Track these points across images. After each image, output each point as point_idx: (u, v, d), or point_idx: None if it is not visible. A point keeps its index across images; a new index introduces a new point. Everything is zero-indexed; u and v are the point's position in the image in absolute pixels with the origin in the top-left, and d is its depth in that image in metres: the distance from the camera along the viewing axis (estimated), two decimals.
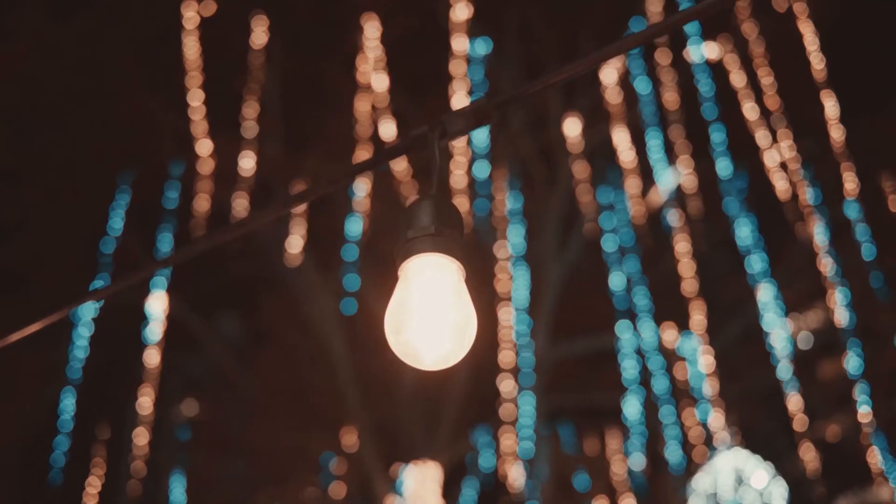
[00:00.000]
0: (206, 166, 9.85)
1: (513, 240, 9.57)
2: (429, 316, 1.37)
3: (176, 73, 9.69)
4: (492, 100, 1.53)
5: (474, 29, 9.60)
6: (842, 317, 10.14)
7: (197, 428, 11.62)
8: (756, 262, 9.97)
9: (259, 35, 9.75)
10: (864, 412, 10.08)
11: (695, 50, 9.85)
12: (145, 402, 10.08)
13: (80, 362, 10.20)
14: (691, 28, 9.97)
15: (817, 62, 10.51)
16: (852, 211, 10.52)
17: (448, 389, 10.11)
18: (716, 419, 10.06)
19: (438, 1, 9.60)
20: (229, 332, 11.81)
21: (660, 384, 9.82)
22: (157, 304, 9.81)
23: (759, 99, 10.46)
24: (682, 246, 9.38)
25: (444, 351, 1.38)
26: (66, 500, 10.82)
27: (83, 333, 10.08)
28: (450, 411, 10.08)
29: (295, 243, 9.92)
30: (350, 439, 9.93)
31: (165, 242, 10.28)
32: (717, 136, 9.83)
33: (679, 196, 9.86)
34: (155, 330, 9.86)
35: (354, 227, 9.94)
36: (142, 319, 9.91)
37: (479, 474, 9.97)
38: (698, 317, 9.42)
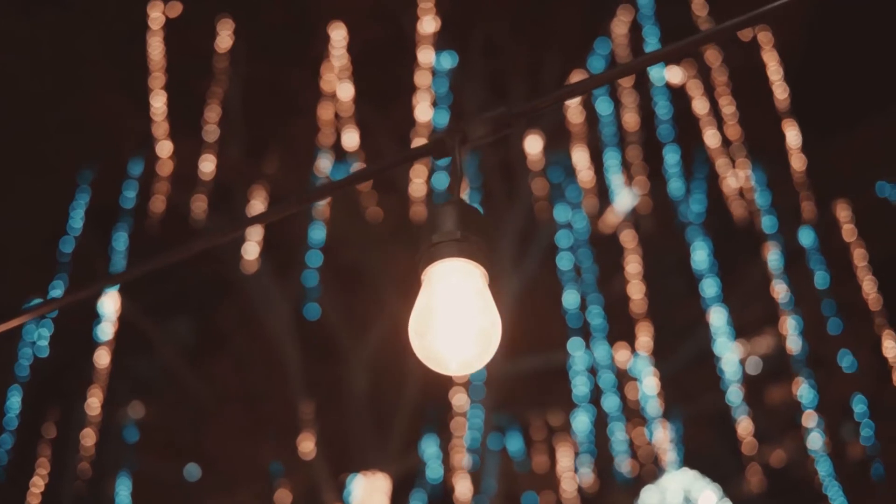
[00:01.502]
0: (165, 168, 9.80)
1: None
2: (455, 321, 1.37)
3: (140, 73, 9.64)
4: (512, 109, 1.54)
5: (440, 42, 9.64)
6: (792, 344, 10.28)
7: (146, 431, 11.49)
8: (710, 287, 10.07)
9: (224, 39, 9.72)
10: (811, 438, 10.21)
11: (657, 74, 9.95)
12: (94, 402, 9.97)
13: (28, 360, 10.09)
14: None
15: (780, 92, 10.67)
16: (807, 238, 10.67)
17: (400, 401, 10.09)
18: (664, 439, 10.14)
19: (406, 13, 9.64)
20: (182, 335, 11.71)
21: (610, 403, 9.88)
22: (109, 304, 9.72)
23: (720, 126, 10.60)
24: (632, 267, 9.46)
25: (470, 356, 1.38)
26: (9, 499, 10.65)
27: (32, 331, 9.96)
28: (401, 423, 10.07)
29: (251, 250, 9.88)
30: (300, 447, 9.88)
31: (121, 242, 10.20)
32: (672, 158, 9.94)
33: (635, 217, 9.94)
34: (106, 330, 9.77)
35: (317, 234, 9.93)
36: (94, 318, 9.81)
37: (428, 486, 9.96)
38: (645, 338, 9.50)
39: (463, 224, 1.39)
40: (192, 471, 11.30)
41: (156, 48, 9.67)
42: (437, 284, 1.39)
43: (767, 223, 10.41)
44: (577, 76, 9.94)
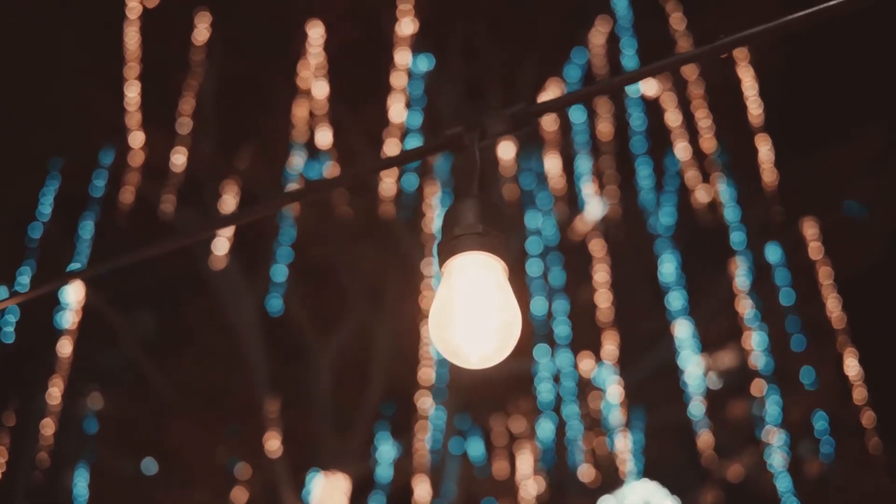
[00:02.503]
0: (136, 158, 9.74)
1: None
2: (476, 314, 1.36)
3: (116, 62, 9.59)
4: (531, 107, 1.54)
5: (418, 44, 9.65)
6: (755, 359, 10.36)
7: (106, 423, 11.39)
8: (676, 299, 10.13)
9: (201, 31, 9.68)
10: (771, 454, 10.29)
11: (632, 85, 10.01)
12: (55, 392, 9.88)
13: None
14: (630, 62, 10.15)
15: (754, 108, 10.75)
16: (774, 255, 10.76)
17: (363, 401, 10.08)
18: (625, 449, 10.17)
19: (385, 14, 9.64)
20: (147, 328, 11.63)
21: (572, 411, 9.90)
22: (72, 293, 9.64)
23: (693, 139, 10.67)
24: (600, 276, 9.49)
25: (490, 350, 1.37)
26: None
27: None
28: (363, 423, 10.05)
29: (221, 245, 9.83)
30: (266, 445, 9.84)
31: (87, 230, 10.13)
32: (644, 170, 10.00)
33: (605, 226, 9.98)
34: (69, 319, 9.68)
35: (286, 231, 9.90)
36: (56, 306, 9.73)
37: (387, 488, 9.95)
38: (611, 347, 9.53)
39: (484, 218, 1.40)
40: (150, 465, 11.23)
41: (132, 38, 9.61)
42: (458, 277, 1.39)
43: (736, 238, 10.48)
44: (552, 85, 9.98)
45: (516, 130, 1.55)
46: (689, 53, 1.56)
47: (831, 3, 1.47)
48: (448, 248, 1.40)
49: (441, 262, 1.42)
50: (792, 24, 1.49)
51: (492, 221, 1.40)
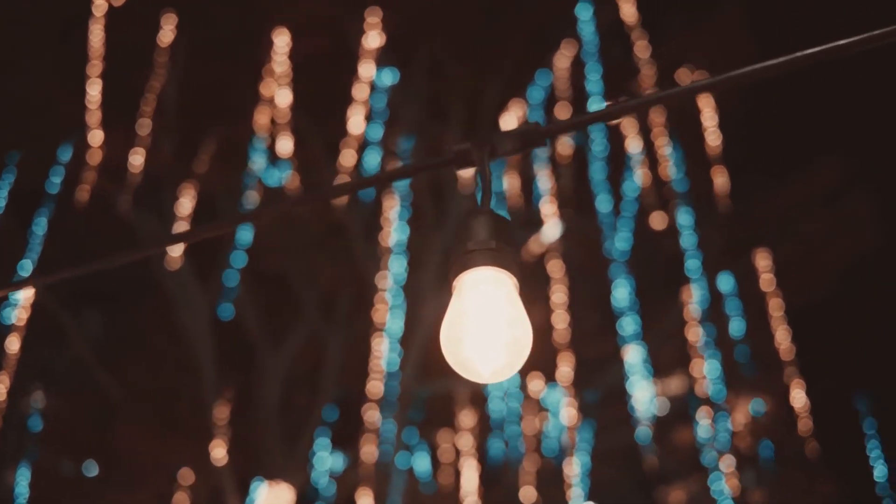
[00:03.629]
0: (94, 156, 9.67)
1: (394, 270, 9.60)
2: (488, 329, 1.37)
3: (79, 59, 9.52)
4: (540, 127, 1.56)
5: (383, 58, 9.68)
6: (704, 387, 10.46)
7: (51, 422, 11.24)
8: (628, 324, 10.20)
9: (167, 33, 9.64)
10: (715, 481, 10.38)
11: (594, 108, 10.10)
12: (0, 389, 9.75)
13: None
14: (594, 87, 10.24)
15: (713, 139, 10.89)
16: (726, 284, 10.88)
17: (311, 412, 10.04)
18: (572, 472, 10.20)
19: (353, 26, 9.66)
20: (96, 328, 11.51)
21: (517, 431, 9.93)
22: (22, 290, 9.52)
23: (653, 166, 10.78)
24: (557, 297, 9.54)
25: (502, 364, 1.38)
26: None
27: None
28: (309, 434, 10.01)
29: (177, 247, 9.77)
30: (212, 453, 9.76)
31: (41, 226, 10.04)
32: (603, 195, 10.09)
33: (561, 248, 10.03)
34: (17, 316, 9.56)
35: (243, 236, 9.86)
36: (5, 303, 9.61)
37: (331, 500, 9.90)
38: (566, 369, 9.57)
39: (496, 234, 1.41)
40: (91, 466, 11.10)
41: (97, 35, 9.56)
42: (470, 292, 1.41)
43: (691, 265, 10.59)
44: (515, 105, 10.04)
45: (524, 149, 1.58)
46: (705, 82, 1.61)
47: (808, 51, 1.52)
48: (461, 263, 1.41)
49: (453, 277, 1.43)
50: (784, 66, 1.53)
51: (503, 237, 1.42)
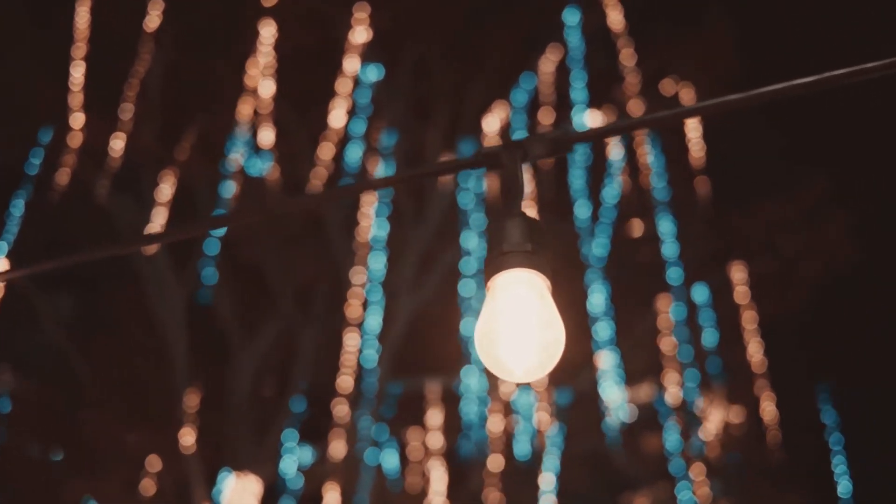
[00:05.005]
0: (75, 139, 9.62)
1: (372, 266, 9.60)
2: (523, 330, 1.41)
3: (64, 41, 9.48)
4: (570, 134, 1.62)
5: (369, 54, 9.69)
6: (674, 396, 10.51)
7: (19, 404, 11.16)
8: (603, 330, 10.23)
9: (153, 19, 9.60)
10: (682, 490, 10.43)
11: (577, 119, 10.12)
12: None
13: None
14: (579, 95, 10.28)
15: (696, 150, 10.95)
16: (701, 295, 10.93)
17: (281, 406, 10.02)
18: (543, 475, 10.22)
19: (340, 21, 9.66)
20: (69, 312, 11.43)
21: (484, 434, 9.94)
22: None
23: (634, 174, 10.83)
24: None
25: (535, 364, 1.41)
26: None
27: None
28: (279, 427, 9.98)
29: (153, 230, 9.74)
30: (181, 441, 9.74)
31: (18, 208, 9.96)
32: (582, 201, 10.12)
33: None
34: None
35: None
36: None
37: (297, 493, 9.89)
38: None
39: (530, 237, 1.44)
40: (58, 451, 11.02)
41: (82, 17, 9.52)
42: (505, 293, 1.44)
43: (671, 275, 10.63)
44: (499, 107, 10.07)
45: (554, 155, 1.62)
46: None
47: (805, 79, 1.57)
48: (496, 265, 1.44)
49: (488, 278, 1.46)
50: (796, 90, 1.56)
51: (537, 240, 1.45)
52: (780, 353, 11.02)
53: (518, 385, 10.05)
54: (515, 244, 1.45)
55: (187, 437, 9.75)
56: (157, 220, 9.78)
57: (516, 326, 1.41)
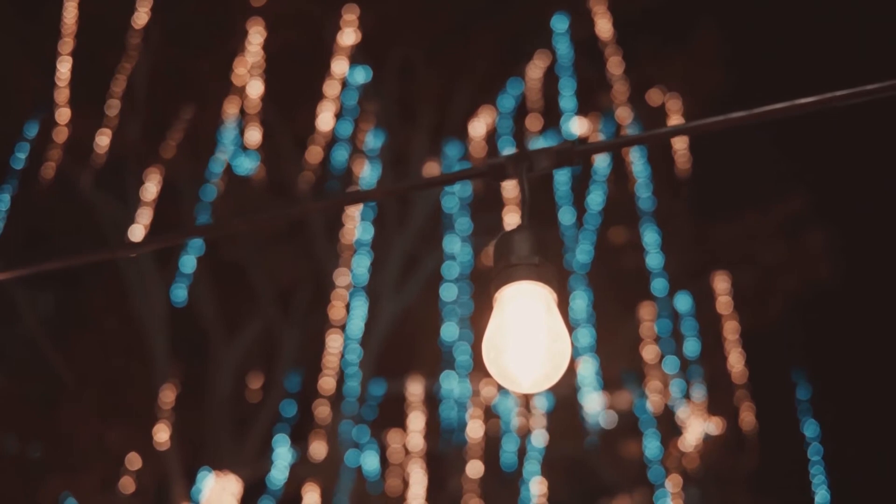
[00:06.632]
0: (61, 134, 9.59)
1: (355, 269, 9.60)
2: (530, 341, 1.43)
3: (51, 35, 9.44)
4: (577, 146, 1.62)
5: (357, 56, 9.69)
6: (654, 404, 10.55)
7: None
8: (584, 336, 10.25)
9: (141, 15, 9.58)
10: (660, 498, 10.46)
11: (566, 123, 10.16)
12: None
13: None
14: (567, 103, 10.31)
15: (682, 161, 11.00)
16: (684, 304, 10.97)
17: (262, 406, 10.01)
18: (523, 479, 10.23)
19: (329, 23, 9.67)
20: (48, 306, 11.38)
21: (463, 438, 9.94)
22: None
23: (620, 182, 10.86)
24: None
25: (541, 375, 1.44)
26: None
27: None
28: (259, 428, 9.97)
29: (138, 232, 9.71)
30: (156, 437, 9.71)
31: (4, 202, 9.93)
32: (566, 207, 10.15)
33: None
34: None
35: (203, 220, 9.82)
36: None
37: (277, 494, 9.87)
38: None
39: (537, 249, 1.47)
40: (36, 447, 10.97)
41: (70, 11, 9.48)
42: (513, 305, 1.46)
43: (656, 285, 10.66)
44: (485, 112, 10.09)
45: (560, 167, 1.64)
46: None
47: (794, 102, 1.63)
48: (503, 276, 1.46)
49: (495, 289, 1.48)
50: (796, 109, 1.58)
51: (544, 253, 1.48)
52: (760, 364, 11.08)
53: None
54: (523, 256, 1.47)
55: (161, 434, 9.72)
56: (142, 218, 9.77)
57: (524, 338, 1.44)
